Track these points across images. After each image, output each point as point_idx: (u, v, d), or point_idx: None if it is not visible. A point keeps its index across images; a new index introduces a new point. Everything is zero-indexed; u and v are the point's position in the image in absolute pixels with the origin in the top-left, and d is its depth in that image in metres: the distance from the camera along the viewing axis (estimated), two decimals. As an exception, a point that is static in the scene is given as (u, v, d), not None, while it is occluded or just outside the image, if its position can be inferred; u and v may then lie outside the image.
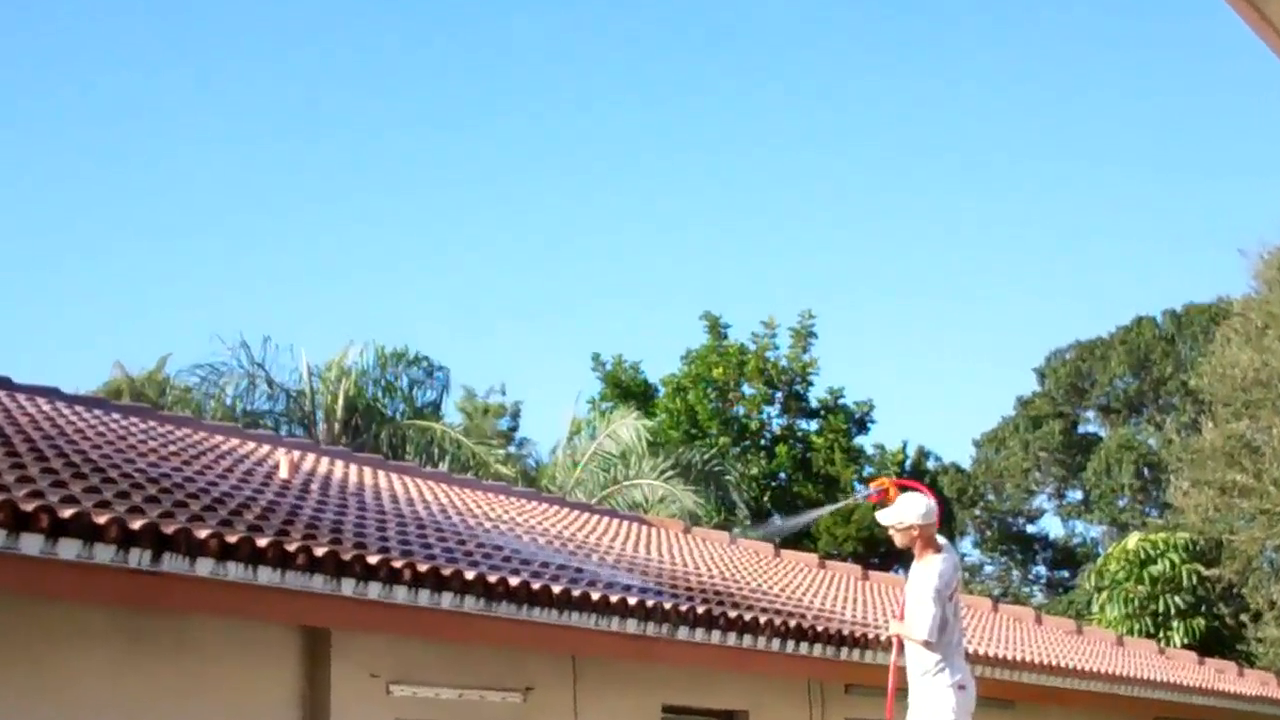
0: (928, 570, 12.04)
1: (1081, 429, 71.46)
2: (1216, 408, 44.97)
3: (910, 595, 12.16)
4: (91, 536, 9.04)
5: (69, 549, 8.93)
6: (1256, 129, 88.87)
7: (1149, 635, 34.36)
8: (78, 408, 16.17)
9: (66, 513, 8.94)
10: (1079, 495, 69.93)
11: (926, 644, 11.79)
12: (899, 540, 12.27)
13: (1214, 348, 47.16)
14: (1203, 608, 38.84)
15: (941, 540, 12.31)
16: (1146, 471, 63.49)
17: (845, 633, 15.01)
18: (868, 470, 43.25)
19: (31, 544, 8.74)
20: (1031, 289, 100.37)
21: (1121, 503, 65.39)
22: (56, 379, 17.69)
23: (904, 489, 12.82)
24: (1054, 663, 18.64)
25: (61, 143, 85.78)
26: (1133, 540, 40.77)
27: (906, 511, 12.10)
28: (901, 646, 12.20)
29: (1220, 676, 24.06)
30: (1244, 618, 40.31)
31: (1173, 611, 38.25)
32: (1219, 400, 44.73)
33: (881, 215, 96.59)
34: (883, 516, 12.34)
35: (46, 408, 15.22)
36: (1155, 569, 38.80)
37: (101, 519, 9.12)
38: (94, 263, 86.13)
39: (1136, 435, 66.49)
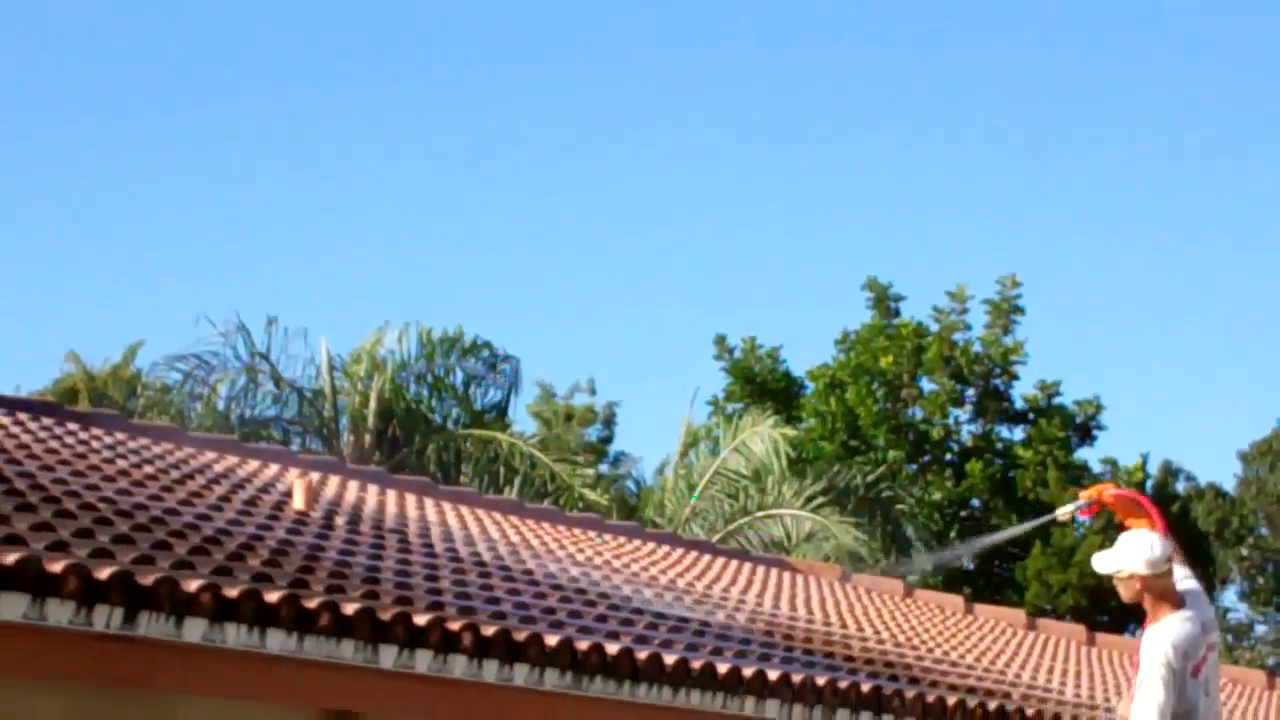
0: (1160, 636, 11.87)
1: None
2: None
3: (1140, 670, 12.05)
4: (43, 590, 9.13)
5: (12, 607, 9.03)
6: None
7: None
8: (20, 415, 16.26)
9: (9, 559, 9.04)
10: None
11: None
12: (1123, 594, 12.10)
13: None
14: None
15: (1188, 588, 12.12)
16: None
17: (1063, 716, 14.97)
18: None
19: (-37, 601, 8.87)
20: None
21: None
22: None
23: (1128, 505, 12.74)
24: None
25: None
26: None
27: (1128, 556, 11.78)
28: None
29: None
30: None
31: None
32: None
33: (1106, 151, 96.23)
34: (1098, 563, 12.15)
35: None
36: None
37: (56, 566, 9.19)
38: (40, 229, 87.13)
39: None
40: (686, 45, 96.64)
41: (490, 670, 11.16)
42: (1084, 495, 12.94)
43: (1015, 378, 44.06)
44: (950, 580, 36.82)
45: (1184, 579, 12.01)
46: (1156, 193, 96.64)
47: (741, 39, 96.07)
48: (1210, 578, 50.71)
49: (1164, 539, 11.96)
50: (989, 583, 38.73)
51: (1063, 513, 14.76)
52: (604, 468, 40.36)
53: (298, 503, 15.27)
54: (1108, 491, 12.91)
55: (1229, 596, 67.81)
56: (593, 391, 46.64)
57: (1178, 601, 11.74)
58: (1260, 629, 70.14)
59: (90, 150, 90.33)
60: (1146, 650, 11.68)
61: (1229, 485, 69.32)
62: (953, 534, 41.52)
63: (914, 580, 32.34)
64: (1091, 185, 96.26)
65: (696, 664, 12.38)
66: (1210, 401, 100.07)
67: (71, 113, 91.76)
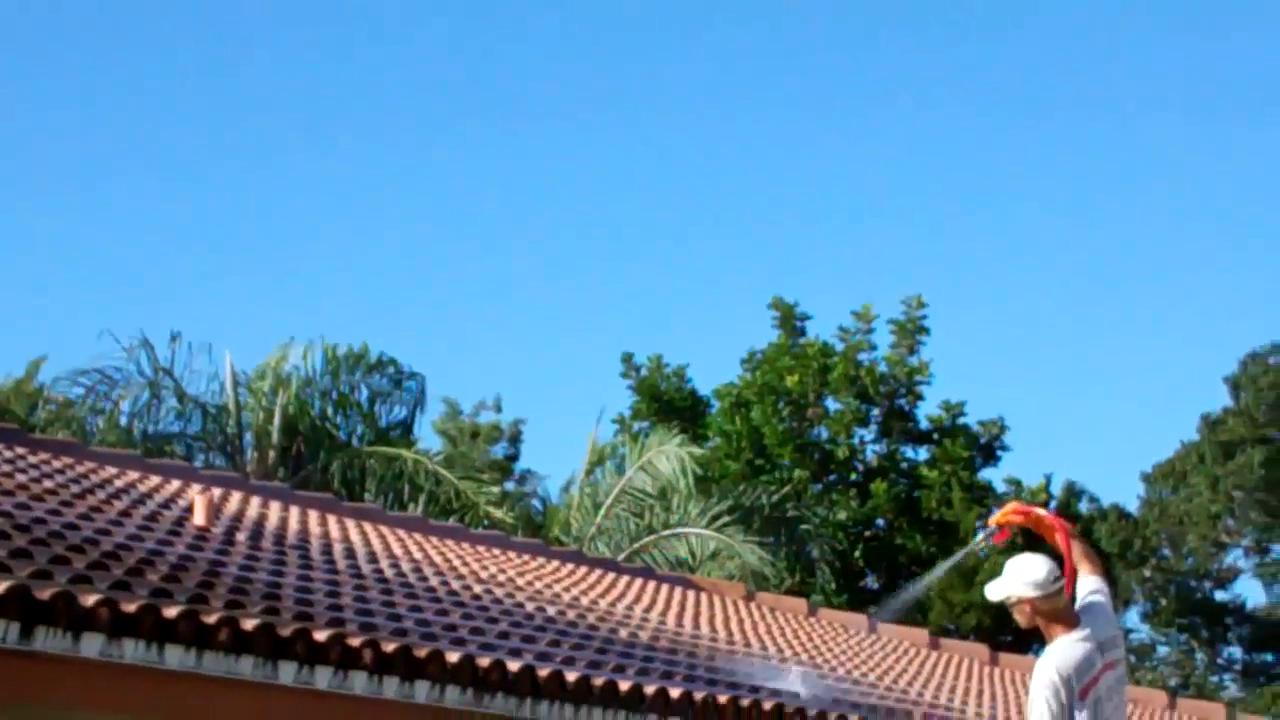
0: (1046, 661, 11.86)
1: (1296, 458, 71.38)
2: None
3: (1029, 695, 12.04)
4: (-63, 604, 9.09)
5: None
6: None
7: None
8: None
9: (-96, 572, 9.00)
10: (1290, 550, 70.03)
11: None
12: (1019, 619, 12.08)
13: None
14: None
15: (1091, 602, 12.09)
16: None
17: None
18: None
19: None
20: (1222, 274, 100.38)
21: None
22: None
23: (1036, 521, 12.75)
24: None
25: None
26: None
27: (1014, 582, 11.76)
28: None
29: None
30: None
31: None
32: None
33: (1010, 177, 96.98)
34: (990, 592, 12.12)
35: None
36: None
37: (-48, 580, 9.17)
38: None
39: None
40: (589, 62, 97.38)
41: (391, 687, 11.13)
42: (992, 522, 12.91)
43: (920, 398, 44.29)
44: (854, 600, 36.91)
45: (1091, 594, 12.01)
46: (1061, 214, 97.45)
47: (646, 60, 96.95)
48: (1113, 599, 50.95)
49: (1048, 560, 11.93)
50: (888, 594, 38.84)
51: (976, 545, 14.82)
52: (510, 485, 40.36)
53: (199, 518, 15.24)
54: (1014, 511, 12.92)
55: (1132, 617, 68.24)
56: (499, 409, 46.73)
57: (1072, 622, 11.69)
58: (1163, 650, 70.61)
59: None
60: (1034, 675, 11.72)
61: (1132, 506, 69.82)
62: (857, 553, 41.68)
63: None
64: (997, 206, 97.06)
65: (598, 681, 12.39)
66: (1114, 423, 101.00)
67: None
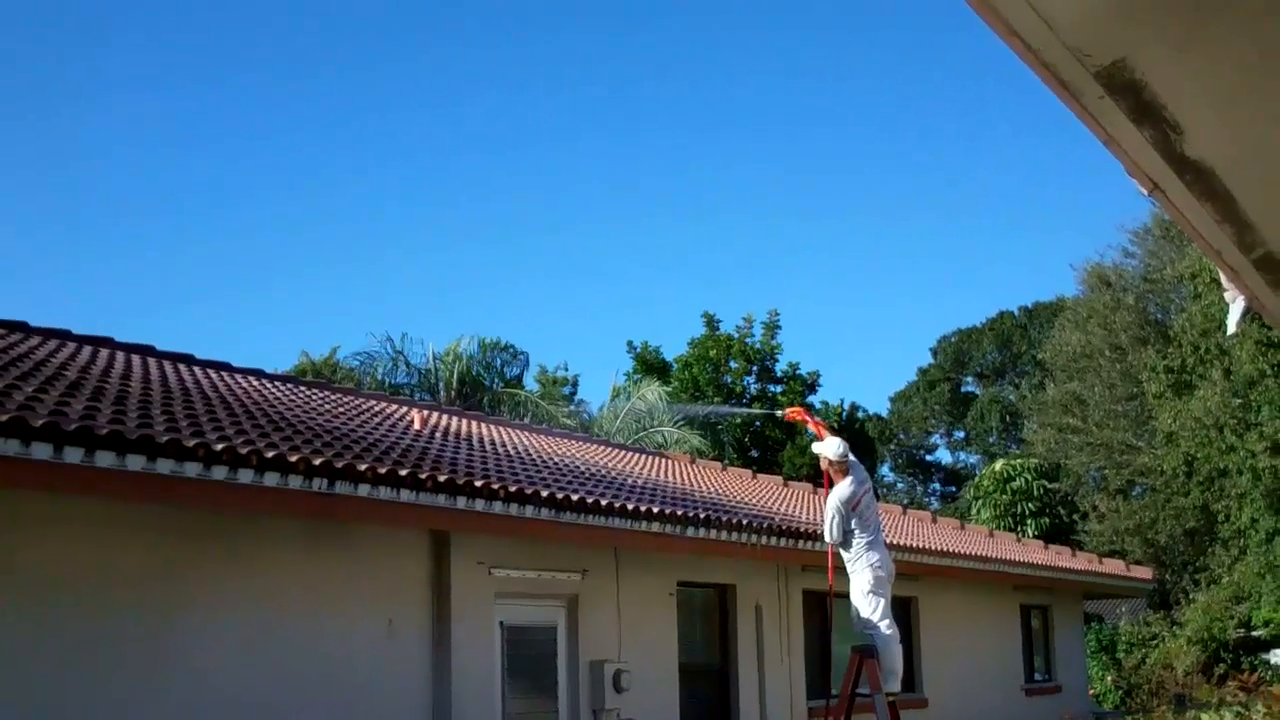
0: (834, 492, 12.10)
1: (963, 389, 71.68)
2: (1056, 373, 45.91)
3: (826, 508, 12.23)
4: (286, 470, 9.10)
5: (271, 479, 9.00)
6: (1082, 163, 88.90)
7: (1011, 530, 34.49)
8: (276, 383, 16.23)
9: (270, 454, 9.00)
10: (962, 434, 70.26)
11: (831, 544, 11.97)
12: (824, 467, 12.36)
13: (1054, 332, 48.14)
14: (1047, 510, 39.23)
15: (853, 461, 12.29)
16: (1008, 418, 63.99)
17: (801, 529, 15.03)
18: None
19: (245, 476, 8.81)
20: (927, 293, 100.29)
21: (991, 440, 65.86)
22: (260, 362, 17.83)
23: (804, 419, 13.62)
24: (945, 549, 18.71)
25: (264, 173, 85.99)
26: (999, 465, 41.59)
27: (827, 450, 12.17)
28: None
29: (1059, 557, 24.09)
30: (1075, 517, 40.63)
31: (1026, 513, 38.70)
32: (1058, 368, 45.70)
33: (833, 240, 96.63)
34: (815, 448, 12.46)
35: (255, 383, 15.29)
36: (1014, 484, 39.46)
37: (294, 458, 9.17)
38: (292, 279, 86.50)
39: (1001, 393, 66.70)
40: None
41: (513, 508, 11.13)
42: (788, 410, 13.68)
43: (777, 360, 44.01)
44: (746, 463, 36.72)
45: (854, 459, 12.25)
46: (848, 259, 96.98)
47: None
48: (874, 461, 50.95)
49: (843, 440, 12.24)
50: (763, 463, 38.70)
51: (779, 414, 15.42)
52: (572, 408, 40.17)
53: (416, 426, 15.26)
54: (797, 410, 13.68)
55: (884, 469, 68.32)
56: (567, 369, 46.37)
57: (845, 472, 11.98)
58: (899, 486, 70.82)
59: (315, 230, 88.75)
60: (828, 499, 11.95)
61: (885, 414, 69.95)
62: (746, 439, 41.58)
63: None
64: (819, 254, 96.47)
65: (616, 505, 12.40)
66: (875, 371, 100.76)
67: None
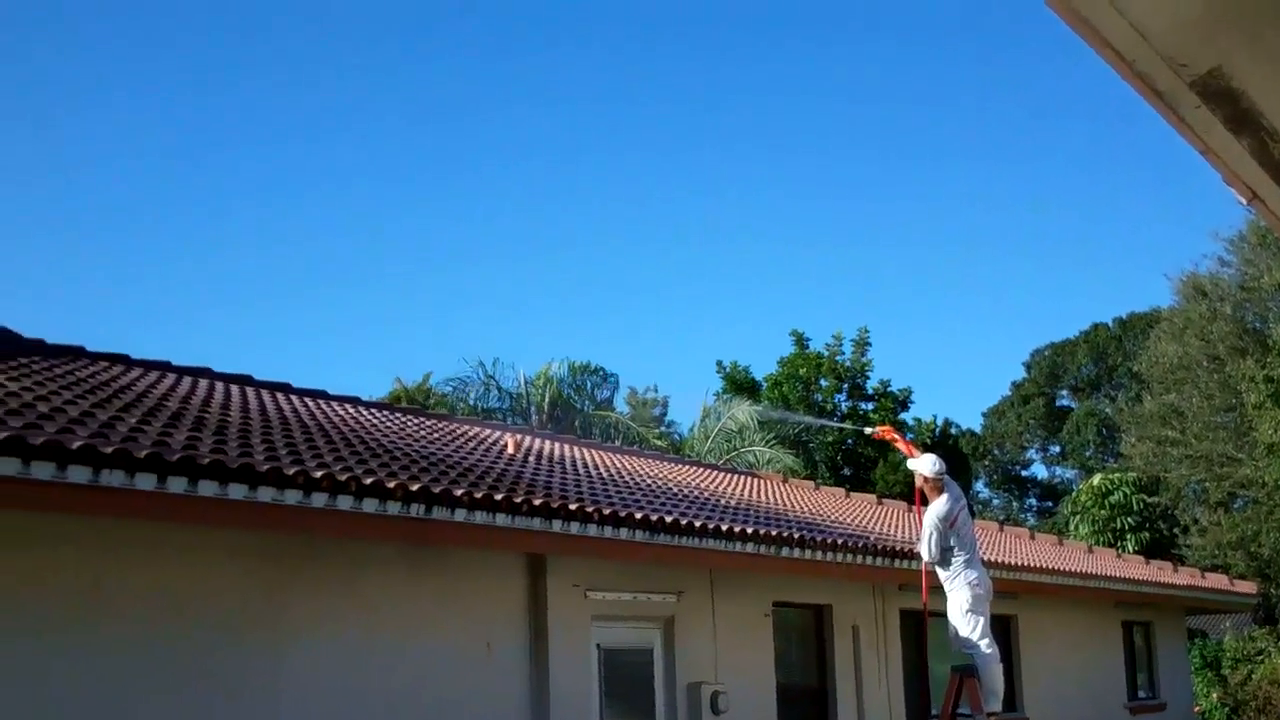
0: (931, 509, 12.02)
1: (1058, 403, 70.82)
2: (1152, 385, 45.15)
3: (923, 525, 12.17)
4: (384, 496, 9.17)
5: (370, 505, 9.08)
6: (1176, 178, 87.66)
7: (1110, 545, 34.02)
8: (371, 410, 16.39)
9: (368, 481, 9.08)
10: (1057, 449, 69.38)
11: (929, 563, 11.93)
12: (919, 483, 12.34)
13: (1150, 343, 47.44)
14: (1147, 525, 38.66)
15: (949, 480, 12.25)
16: (1105, 431, 63.11)
17: (897, 549, 14.92)
18: (909, 437, 42.86)
19: (344, 503, 8.90)
20: (1019, 307, 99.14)
21: (1088, 453, 64.96)
22: (355, 389, 18.02)
23: (893, 438, 14.00)
24: (1044, 565, 18.46)
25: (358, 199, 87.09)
26: (1096, 479, 41.10)
27: (921, 467, 12.12)
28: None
29: (1161, 572, 23.68)
30: (1176, 531, 39.95)
31: (1126, 528, 38.14)
32: (1154, 380, 44.90)
33: (922, 255, 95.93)
34: (910, 464, 12.45)
35: (351, 410, 15.46)
36: (1113, 499, 38.92)
37: (391, 484, 9.24)
38: (384, 305, 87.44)
39: (1097, 406, 65.77)
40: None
41: (608, 531, 11.11)
42: (878, 429, 13.76)
43: (868, 378, 43.65)
44: (838, 481, 36.48)
45: (949, 477, 12.23)
46: (940, 278, 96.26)
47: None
48: (969, 477, 50.48)
49: (939, 458, 12.22)
50: (855, 481, 38.39)
51: (868, 431, 15.42)
52: (663, 429, 40.20)
53: (509, 450, 15.32)
54: (886, 430, 13.76)
55: (979, 485, 67.61)
56: (657, 391, 46.56)
57: (941, 489, 11.94)
58: (995, 502, 70.00)
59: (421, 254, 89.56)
60: (926, 517, 11.85)
61: (978, 429, 69.25)
62: (838, 457, 41.28)
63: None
64: (913, 272, 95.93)
65: (710, 526, 12.33)
66: (968, 387, 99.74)
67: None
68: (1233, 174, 3.88)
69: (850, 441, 41.52)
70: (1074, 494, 44.36)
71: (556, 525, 10.62)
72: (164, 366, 13.96)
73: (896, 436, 13.77)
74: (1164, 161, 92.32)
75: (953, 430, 49.46)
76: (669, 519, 11.82)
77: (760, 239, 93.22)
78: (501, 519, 10.12)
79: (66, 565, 8.32)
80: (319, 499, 8.69)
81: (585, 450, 19.17)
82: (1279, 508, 35.50)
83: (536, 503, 10.44)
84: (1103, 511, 38.76)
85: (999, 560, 16.93)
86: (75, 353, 12.78)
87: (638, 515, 11.47)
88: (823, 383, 43.70)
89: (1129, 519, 38.42)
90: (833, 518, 17.51)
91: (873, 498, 23.85)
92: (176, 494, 7.83)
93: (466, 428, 17.43)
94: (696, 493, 16.33)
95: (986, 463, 69.74)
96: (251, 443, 9.48)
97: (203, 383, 13.70)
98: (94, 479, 7.41)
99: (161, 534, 8.73)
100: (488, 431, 17.73)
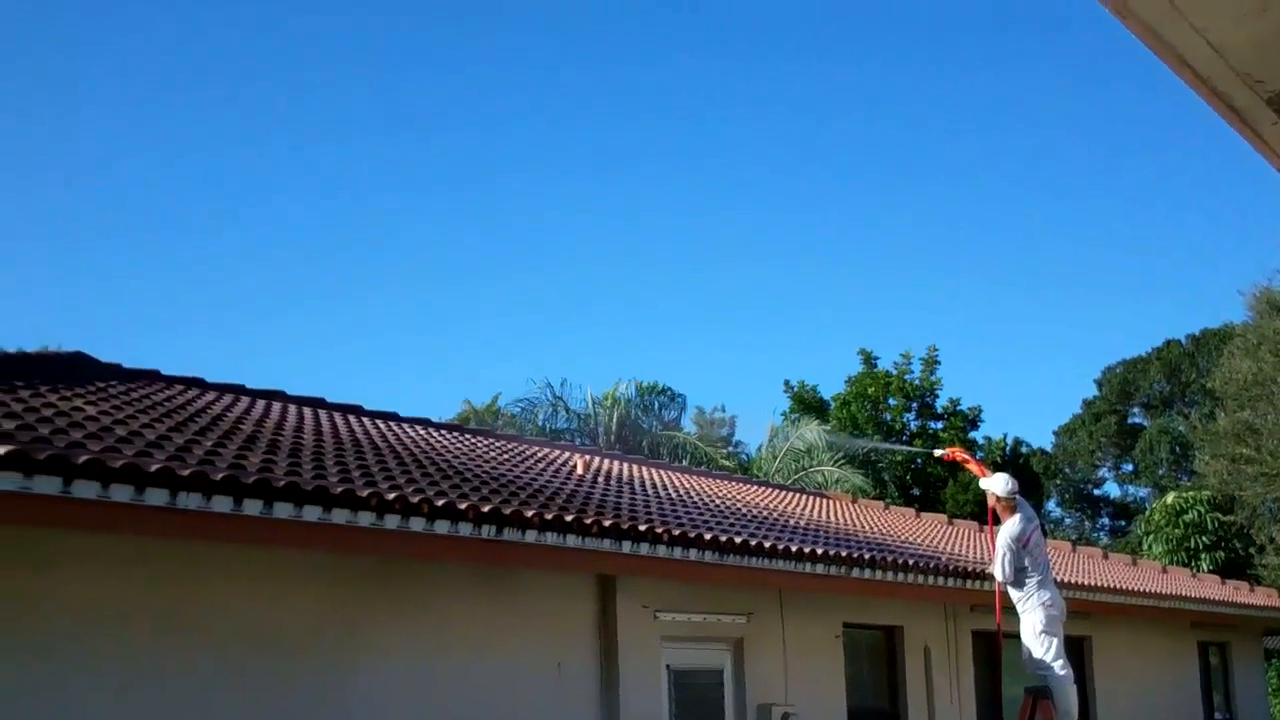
0: (1003, 530, 11.93)
1: (1130, 420, 69.98)
2: (1227, 402, 44.53)
3: (996, 546, 12.11)
4: (456, 517, 9.22)
5: (442, 526, 9.13)
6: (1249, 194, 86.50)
7: (1184, 565, 33.56)
8: (442, 431, 16.47)
9: (440, 502, 9.13)
10: (1130, 467, 68.59)
11: (1003, 583, 11.85)
12: (990, 503, 12.27)
13: (1223, 359, 46.83)
14: (1222, 544, 38.15)
15: (1021, 500, 12.19)
16: (1178, 449, 62.33)
17: (968, 569, 14.79)
18: (979, 456, 42.53)
19: (417, 525, 8.95)
20: (1089, 324, 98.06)
21: (1161, 472, 64.16)
22: (425, 411, 18.14)
23: (963, 459, 13.98)
24: (1118, 586, 18.24)
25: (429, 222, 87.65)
26: (1170, 498, 40.60)
27: (994, 486, 12.06)
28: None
29: (1237, 592, 23.34)
30: (1252, 550, 39.36)
31: (1201, 547, 37.66)
32: (1228, 397, 44.28)
33: (990, 273, 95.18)
34: (984, 484, 12.42)
35: (422, 431, 15.55)
36: (1187, 517, 38.43)
37: (463, 505, 9.29)
38: (455, 326, 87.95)
39: (1170, 423, 64.94)
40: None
41: (678, 551, 11.07)
42: (947, 450, 13.76)
43: (937, 396, 43.46)
44: (907, 501, 36.27)
45: (1021, 497, 12.15)
46: (1010, 295, 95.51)
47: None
48: (1041, 496, 50.03)
49: (1011, 477, 12.16)
50: (925, 501, 38.12)
51: (937, 453, 15.36)
52: (730, 449, 40.14)
53: (579, 470, 15.34)
54: (955, 451, 13.73)
55: (1050, 505, 66.95)
56: (724, 410, 46.46)
57: (1014, 509, 11.86)
58: (1067, 521, 69.28)
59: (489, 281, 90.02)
60: (999, 536, 11.75)
61: (1049, 448, 68.58)
62: (907, 477, 41.07)
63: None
64: (978, 293, 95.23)
65: (780, 546, 12.28)
66: (1039, 405, 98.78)
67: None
68: (1310, 190, 3.83)
69: (919, 461, 41.28)
70: (1147, 513, 43.87)
71: (626, 546, 10.63)
72: (237, 390, 14.12)
73: (967, 457, 13.71)
74: (1237, 177, 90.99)
75: (1023, 449, 49.05)
76: (738, 540, 11.79)
77: (828, 258, 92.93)
78: (571, 540, 10.13)
79: (143, 587, 8.43)
80: (392, 521, 8.75)
81: (653, 470, 19.16)
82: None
83: (606, 524, 10.45)
84: (1177, 530, 38.27)
85: (1072, 580, 16.74)
86: (150, 376, 12.96)
87: (707, 536, 11.45)
88: (891, 402, 43.50)
89: (1204, 538, 37.90)
90: (903, 538, 17.39)
91: (943, 518, 23.67)
92: (252, 516, 7.91)
93: (535, 449, 17.47)
94: (765, 513, 16.28)
95: (1058, 481, 69.04)
96: (325, 465, 9.57)
97: (275, 405, 13.84)
98: (171, 501, 7.51)
99: (237, 556, 8.83)
100: (556, 452, 17.75)
